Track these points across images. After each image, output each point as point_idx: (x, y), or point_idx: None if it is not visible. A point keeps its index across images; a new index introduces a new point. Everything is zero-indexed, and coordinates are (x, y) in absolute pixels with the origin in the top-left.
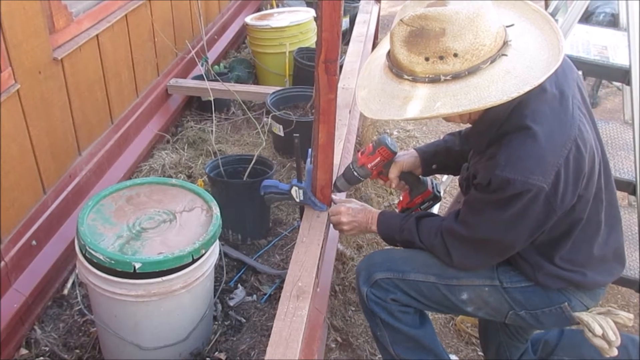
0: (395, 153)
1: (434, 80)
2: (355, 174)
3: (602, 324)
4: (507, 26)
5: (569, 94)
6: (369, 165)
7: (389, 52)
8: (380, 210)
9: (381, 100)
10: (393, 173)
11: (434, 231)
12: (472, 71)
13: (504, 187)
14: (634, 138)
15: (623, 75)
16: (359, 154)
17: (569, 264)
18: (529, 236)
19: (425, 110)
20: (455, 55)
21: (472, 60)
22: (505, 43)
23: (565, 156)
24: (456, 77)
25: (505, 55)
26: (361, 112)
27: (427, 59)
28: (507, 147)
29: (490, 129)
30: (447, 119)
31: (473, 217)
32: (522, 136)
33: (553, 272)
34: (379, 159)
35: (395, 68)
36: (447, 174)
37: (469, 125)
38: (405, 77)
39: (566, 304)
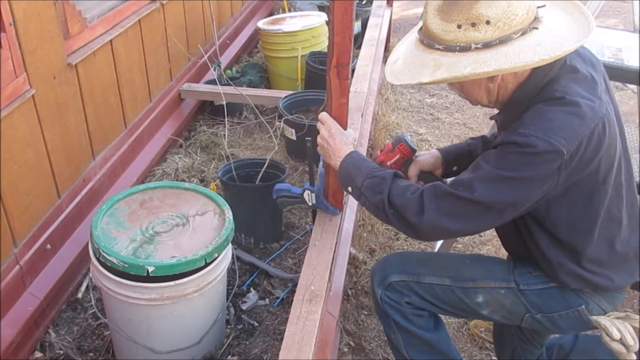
0: (414, 151)
1: (465, 48)
2: None
3: (620, 328)
4: (538, 7)
5: (597, 79)
6: (388, 163)
7: (420, 27)
8: (353, 150)
9: (411, 71)
10: (412, 171)
11: (412, 189)
12: (503, 40)
13: (523, 144)
14: None
15: (637, 77)
16: (378, 152)
17: (594, 265)
18: (518, 207)
19: (454, 71)
20: (488, 22)
21: (503, 29)
22: (536, 18)
23: (591, 130)
24: (487, 45)
25: (537, 28)
26: (390, 82)
27: (459, 27)
28: (534, 111)
29: (520, 107)
30: (475, 98)
31: (474, 174)
32: (551, 103)
33: (576, 272)
34: (398, 156)
35: (427, 39)
36: None
37: (479, 132)
38: (436, 46)
39: (583, 307)
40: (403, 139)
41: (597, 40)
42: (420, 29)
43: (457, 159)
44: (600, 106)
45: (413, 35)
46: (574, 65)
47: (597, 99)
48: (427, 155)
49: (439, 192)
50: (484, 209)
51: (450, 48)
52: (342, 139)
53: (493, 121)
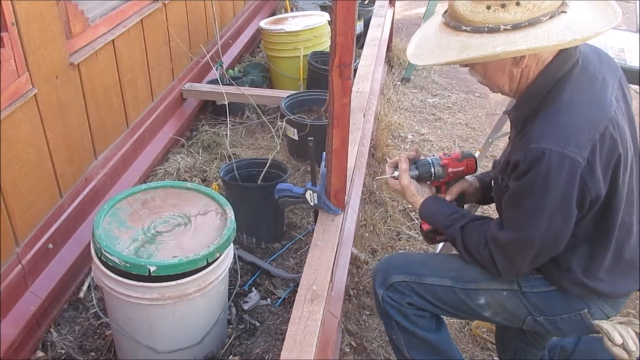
0: (475, 171)
1: (493, 30)
2: (434, 170)
3: (622, 333)
4: None
5: (609, 82)
6: (450, 170)
7: (445, 11)
8: (427, 197)
9: (435, 53)
10: (456, 189)
11: (482, 242)
12: (532, 22)
13: (538, 161)
14: None
15: (638, 77)
16: (442, 154)
17: (601, 272)
18: (569, 221)
19: (483, 50)
20: (518, 4)
21: (533, 11)
22: (563, 3)
23: (602, 133)
24: (516, 27)
25: (565, 12)
26: (413, 63)
27: (488, 8)
28: (542, 120)
29: (532, 102)
30: (497, 84)
31: (513, 214)
32: (558, 107)
33: (581, 280)
34: (462, 168)
35: (453, 21)
36: None
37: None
38: (463, 28)
39: (586, 311)
40: (473, 155)
41: (600, 41)
42: (445, 12)
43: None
44: (609, 107)
45: (435, 20)
46: (586, 66)
47: (607, 98)
48: (471, 179)
49: (499, 243)
50: (541, 242)
51: (478, 29)
52: (413, 186)
53: (496, 121)
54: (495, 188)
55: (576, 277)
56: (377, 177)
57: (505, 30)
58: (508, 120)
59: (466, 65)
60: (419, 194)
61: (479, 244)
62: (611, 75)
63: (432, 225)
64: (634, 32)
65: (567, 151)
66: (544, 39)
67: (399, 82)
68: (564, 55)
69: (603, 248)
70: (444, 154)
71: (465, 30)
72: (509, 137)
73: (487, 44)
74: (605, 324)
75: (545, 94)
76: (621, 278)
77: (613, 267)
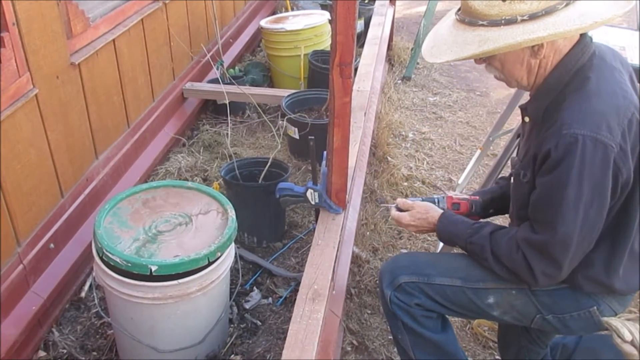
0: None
1: (511, 21)
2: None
3: (631, 330)
4: None
5: (624, 74)
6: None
7: (458, 9)
8: (441, 213)
9: (453, 50)
10: None
11: (514, 246)
12: (549, 11)
13: (573, 147)
14: None
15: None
16: (451, 196)
17: (622, 269)
18: (603, 211)
19: (504, 41)
20: None
21: (548, 0)
22: None
23: (629, 119)
24: (533, 16)
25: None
26: (430, 61)
27: (504, 0)
28: (571, 106)
29: (551, 94)
30: (515, 77)
31: (546, 212)
32: (586, 93)
33: (597, 277)
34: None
35: (469, 17)
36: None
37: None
38: (480, 22)
39: (595, 308)
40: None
41: (601, 39)
42: (458, 10)
43: (492, 203)
44: (633, 95)
45: (447, 20)
46: (603, 57)
47: (629, 87)
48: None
49: (535, 244)
50: (579, 236)
51: (495, 23)
52: (421, 216)
53: (497, 119)
54: (515, 186)
55: (596, 274)
56: (382, 205)
57: (522, 20)
58: (509, 119)
59: (483, 62)
60: (433, 209)
61: (510, 249)
62: (623, 69)
63: (449, 239)
64: (634, 30)
65: (600, 136)
66: (564, 25)
67: (399, 81)
68: (581, 45)
69: (623, 242)
70: (455, 199)
71: (482, 25)
72: (520, 135)
73: (507, 35)
74: (614, 321)
75: (565, 84)
76: (634, 273)
77: (627, 262)
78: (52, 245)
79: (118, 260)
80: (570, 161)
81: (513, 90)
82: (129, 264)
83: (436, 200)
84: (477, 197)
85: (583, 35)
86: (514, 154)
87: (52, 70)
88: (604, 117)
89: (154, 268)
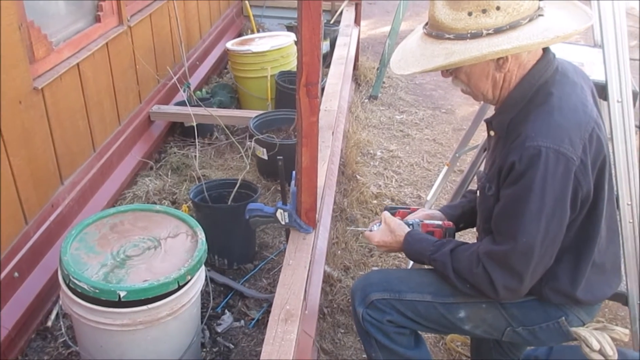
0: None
1: (476, 35)
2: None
3: (599, 339)
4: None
5: (586, 89)
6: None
7: (425, 23)
8: (407, 232)
9: (421, 63)
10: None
11: (475, 260)
12: (513, 25)
13: (536, 159)
14: (613, 152)
15: (600, 90)
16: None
17: (585, 280)
18: (563, 223)
19: (469, 53)
20: (498, 8)
21: (513, 15)
22: (539, 8)
23: (590, 133)
24: (498, 30)
25: (542, 15)
26: (397, 73)
27: (470, 14)
28: (535, 120)
29: (514, 108)
30: (481, 90)
31: (509, 222)
32: (549, 108)
33: (565, 289)
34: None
35: (436, 31)
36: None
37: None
38: (447, 36)
39: (563, 318)
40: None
41: (562, 55)
42: (426, 24)
43: (462, 217)
44: (592, 111)
45: (415, 35)
46: (565, 74)
47: (589, 103)
48: (438, 214)
49: (496, 256)
50: (540, 247)
51: (461, 36)
52: (389, 235)
53: (462, 135)
54: (481, 199)
55: (562, 286)
56: (349, 228)
57: (488, 34)
58: (474, 135)
59: (450, 75)
60: (400, 228)
61: (470, 264)
62: (584, 84)
63: (416, 257)
64: (591, 47)
65: (562, 149)
66: (528, 39)
67: (366, 100)
68: (544, 61)
69: (587, 255)
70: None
71: (449, 38)
72: (486, 149)
73: (472, 48)
74: (582, 331)
75: (529, 99)
76: (597, 284)
77: (590, 274)
78: (16, 274)
79: (85, 286)
80: (533, 173)
81: (477, 108)
82: (97, 291)
83: (411, 225)
84: (451, 224)
85: (546, 51)
86: (481, 168)
87: (14, 96)
88: (567, 131)
89: (122, 294)
